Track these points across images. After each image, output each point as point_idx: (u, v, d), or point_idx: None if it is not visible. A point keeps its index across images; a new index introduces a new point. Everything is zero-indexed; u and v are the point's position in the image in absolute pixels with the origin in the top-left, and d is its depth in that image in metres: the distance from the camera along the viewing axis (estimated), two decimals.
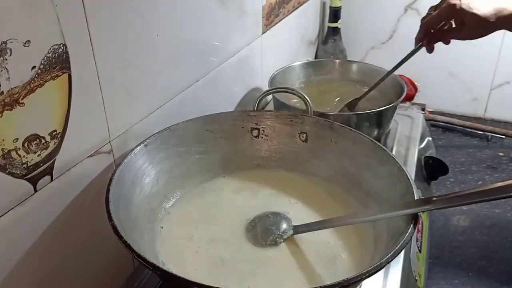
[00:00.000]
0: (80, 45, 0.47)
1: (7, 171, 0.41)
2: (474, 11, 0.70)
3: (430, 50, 0.78)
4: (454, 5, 0.71)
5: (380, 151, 0.55)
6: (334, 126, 0.60)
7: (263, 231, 0.54)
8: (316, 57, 1.38)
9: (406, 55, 0.80)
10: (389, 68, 0.91)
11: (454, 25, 0.75)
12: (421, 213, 0.46)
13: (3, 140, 0.40)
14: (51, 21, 0.43)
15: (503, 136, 1.28)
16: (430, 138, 1.00)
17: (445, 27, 0.76)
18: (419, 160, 0.87)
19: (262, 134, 0.64)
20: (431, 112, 1.37)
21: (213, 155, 0.62)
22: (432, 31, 0.76)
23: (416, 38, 0.79)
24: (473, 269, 0.88)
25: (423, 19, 0.78)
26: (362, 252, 0.51)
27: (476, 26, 0.71)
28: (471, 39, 0.74)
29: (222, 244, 0.53)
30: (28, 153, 0.43)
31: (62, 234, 0.50)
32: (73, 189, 0.50)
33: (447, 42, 0.77)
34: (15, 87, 0.40)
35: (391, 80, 0.89)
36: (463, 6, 0.70)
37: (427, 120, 1.06)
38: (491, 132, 1.29)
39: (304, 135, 0.63)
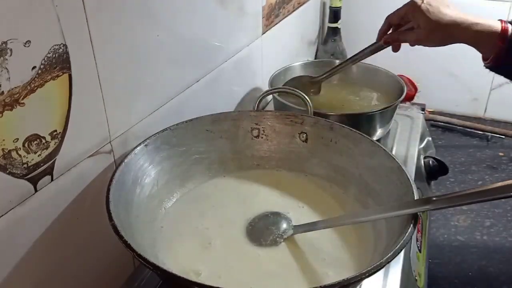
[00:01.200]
0: (80, 45, 0.47)
1: (7, 171, 0.42)
2: (429, 15, 0.66)
3: (393, 49, 0.76)
4: (415, 3, 0.67)
5: (380, 151, 0.55)
6: (334, 126, 0.60)
7: (263, 231, 0.54)
8: (316, 57, 1.38)
9: (366, 47, 0.80)
10: (389, 68, 0.91)
11: (412, 26, 0.71)
12: (421, 213, 0.46)
13: (4, 140, 0.40)
14: (51, 21, 0.43)
15: (503, 136, 1.28)
16: (430, 138, 1.00)
17: (404, 27, 0.73)
18: (419, 160, 0.87)
19: (262, 134, 0.64)
20: (431, 112, 1.37)
21: (213, 155, 0.62)
22: (392, 28, 0.75)
23: (378, 31, 0.77)
24: (473, 269, 0.88)
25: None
26: (362, 252, 0.51)
27: (430, 31, 0.67)
28: (425, 44, 0.70)
29: (222, 243, 0.53)
30: (28, 153, 0.43)
31: (62, 234, 0.50)
32: (73, 189, 0.50)
33: (396, 47, 0.76)
34: (15, 87, 0.40)
35: (391, 80, 0.89)
36: (422, 7, 0.66)
37: (427, 120, 1.06)
38: (491, 132, 1.29)
39: (304, 135, 0.63)
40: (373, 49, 0.79)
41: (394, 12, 0.73)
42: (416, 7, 0.67)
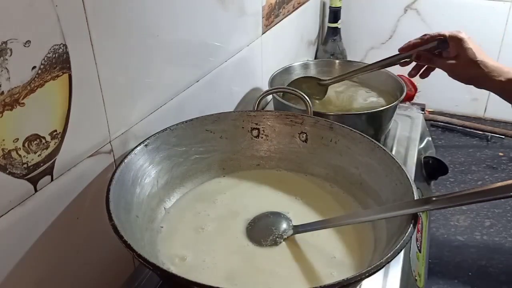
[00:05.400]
0: (80, 45, 0.47)
1: (7, 171, 0.42)
2: (472, 51, 0.69)
3: (421, 75, 0.79)
4: (462, 34, 0.71)
5: (380, 151, 0.55)
6: (334, 126, 0.61)
7: (263, 231, 0.54)
8: (316, 57, 1.38)
9: (385, 58, 0.80)
10: (388, 68, 0.91)
11: (449, 54, 0.74)
12: (420, 213, 0.46)
13: (4, 140, 0.40)
14: (51, 21, 0.43)
15: (503, 136, 1.28)
16: (430, 138, 1.00)
17: (437, 51, 0.75)
18: (419, 160, 0.87)
19: (262, 134, 0.64)
20: (431, 112, 1.37)
21: (213, 155, 0.63)
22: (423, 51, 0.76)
23: (407, 42, 0.78)
24: (473, 269, 0.88)
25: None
26: (362, 252, 0.51)
27: (466, 67, 0.71)
28: (452, 75, 0.73)
29: (222, 243, 0.53)
30: (28, 153, 0.43)
31: (62, 234, 0.50)
32: (73, 189, 0.50)
33: (426, 73, 0.79)
34: (15, 87, 0.40)
35: (391, 80, 0.89)
36: (468, 41, 0.70)
37: (427, 120, 1.06)
38: (491, 132, 1.29)
39: (304, 135, 0.63)
40: (394, 60, 0.80)
41: (434, 33, 0.75)
42: (462, 39, 0.70)
